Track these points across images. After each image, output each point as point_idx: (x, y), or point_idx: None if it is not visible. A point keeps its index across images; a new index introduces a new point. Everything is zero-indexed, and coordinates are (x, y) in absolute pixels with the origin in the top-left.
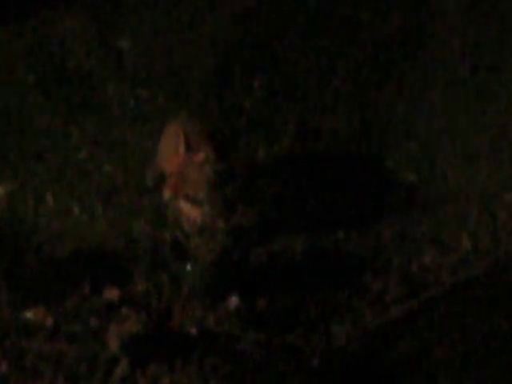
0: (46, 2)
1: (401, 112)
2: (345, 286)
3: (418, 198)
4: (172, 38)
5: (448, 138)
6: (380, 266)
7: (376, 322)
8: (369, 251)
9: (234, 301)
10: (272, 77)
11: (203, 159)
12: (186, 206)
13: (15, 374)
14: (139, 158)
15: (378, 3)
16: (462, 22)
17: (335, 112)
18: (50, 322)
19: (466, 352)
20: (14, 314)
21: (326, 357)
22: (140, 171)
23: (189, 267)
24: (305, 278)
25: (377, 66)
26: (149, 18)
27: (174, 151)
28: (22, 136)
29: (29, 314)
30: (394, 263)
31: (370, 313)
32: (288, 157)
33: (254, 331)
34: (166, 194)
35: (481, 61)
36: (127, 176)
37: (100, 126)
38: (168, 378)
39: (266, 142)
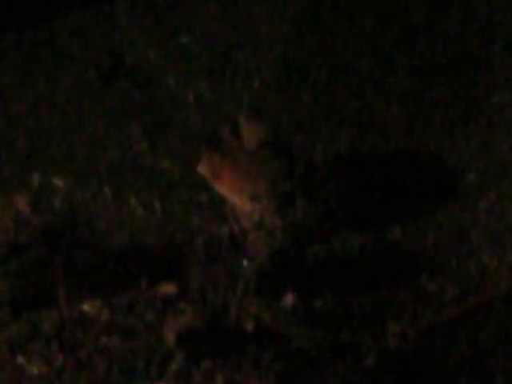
0: None
1: (461, 110)
2: (401, 284)
3: (477, 197)
4: (232, 34)
5: None
6: (437, 264)
7: (432, 322)
8: (426, 250)
9: (290, 298)
10: (330, 72)
11: (255, 148)
12: (242, 201)
13: (70, 366)
14: (197, 153)
15: None
16: None
17: (395, 107)
18: (105, 315)
19: None
20: (70, 307)
21: (381, 356)
22: (198, 166)
23: (245, 263)
24: (361, 276)
25: (439, 62)
26: (210, 12)
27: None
28: (81, 129)
29: (85, 307)
30: (451, 262)
31: (427, 313)
32: (346, 153)
33: (309, 329)
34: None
35: None
36: (185, 171)
37: (159, 121)
38: (222, 373)
39: (325, 137)
